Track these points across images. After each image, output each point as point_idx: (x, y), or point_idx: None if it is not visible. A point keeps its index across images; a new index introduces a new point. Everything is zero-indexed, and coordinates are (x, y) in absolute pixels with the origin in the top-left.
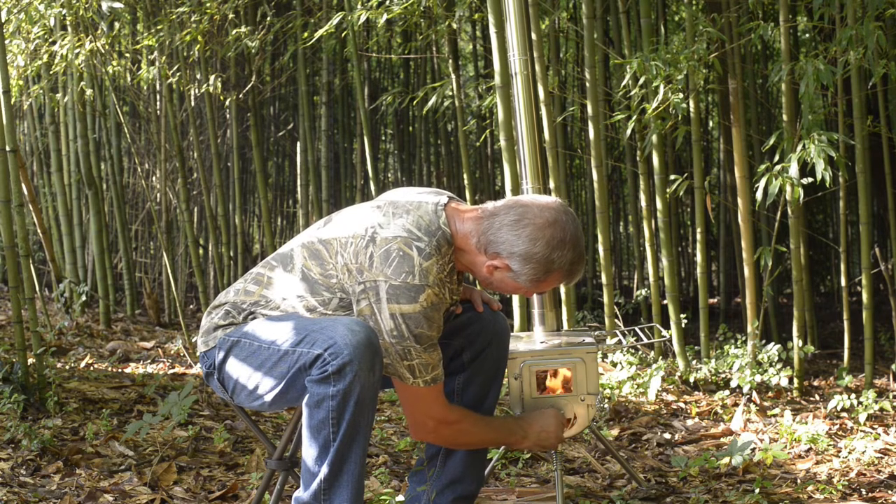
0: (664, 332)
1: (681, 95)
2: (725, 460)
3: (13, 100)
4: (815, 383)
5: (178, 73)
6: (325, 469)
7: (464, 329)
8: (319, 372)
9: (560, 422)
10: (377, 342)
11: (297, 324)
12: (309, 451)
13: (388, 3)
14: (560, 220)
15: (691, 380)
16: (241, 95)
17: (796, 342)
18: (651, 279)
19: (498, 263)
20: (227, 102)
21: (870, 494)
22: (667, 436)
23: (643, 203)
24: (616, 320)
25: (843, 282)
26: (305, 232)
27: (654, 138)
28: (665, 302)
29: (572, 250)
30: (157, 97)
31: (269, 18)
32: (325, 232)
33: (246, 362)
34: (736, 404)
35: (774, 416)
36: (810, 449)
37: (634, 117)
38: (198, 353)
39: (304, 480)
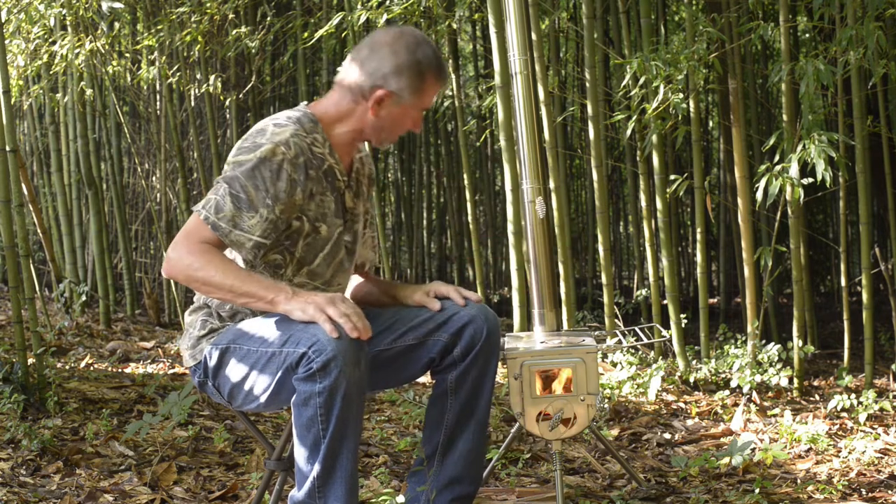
0: (664, 332)
1: (681, 95)
2: (725, 460)
3: (13, 100)
4: (815, 383)
5: (178, 73)
6: (317, 467)
7: (450, 324)
8: (305, 370)
9: (330, 299)
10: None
11: (282, 324)
12: (300, 451)
13: (388, 3)
14: (404, 29)
15: (691, 380)
16: (241, 95)
17: (796, 342)
18: (651, 279)
19: (378, 94)
20: (227, 102)
21: (870, 494)
22: (667, 436)
23: (643, 203)
24: (616, 320)
25: (843, 282)
26: None
27: (654, 138)
28: (665, 302)
29: (428, 45)
30: (157, 97)
31: (269, 18)
32: None
33: (239, 366)
34: (736, 404)
35: (774, 416)
36: (810, 449)
37: (634, 117)
38: (186, 367)
39: (297, 480)
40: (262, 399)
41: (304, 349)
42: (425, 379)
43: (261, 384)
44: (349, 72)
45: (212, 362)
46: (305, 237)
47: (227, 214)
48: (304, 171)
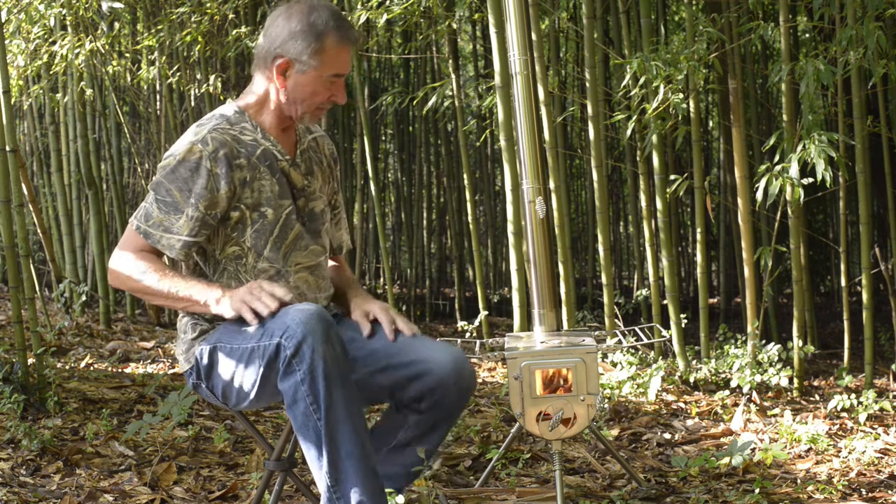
0: (664, 332)
1: (681, 95)
2: (725, 460)
3: (13, 100)
4: (815, 383)
5: (178, 73)
6: (325, 458)
7: (420, 382)
8: (283, 363)
9: (247, 289)
10: (327, 314)
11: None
12: (309, 454)
13: (388, 3)
14: (296, 2)
15: (691, 380)
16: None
17: (796, 342)
18: (651, 279)
19: (279, 63)
20: (227, 102)
21: (870, 494)
22: (667, 436)
23: (643, 203)
24: (616, 320)
25: (843, 282)
26: None
27: (654, 138)
28: (665, 302)
29: (325, 9)
30: (157, 97)
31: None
32: None
33: (226, 363)
34: (736, 404)
35: (774, 416)
36: (810, 449)
37: (634, 117)
38: (181, 371)
39: (320, 488)
40: (252, 395)
41: (278, 339)
42: None
43: (248, 380)
44: (256, 57)
45: (204, 362)
46: (252, 224)
47: (156, 220)
48: (226, 163)
